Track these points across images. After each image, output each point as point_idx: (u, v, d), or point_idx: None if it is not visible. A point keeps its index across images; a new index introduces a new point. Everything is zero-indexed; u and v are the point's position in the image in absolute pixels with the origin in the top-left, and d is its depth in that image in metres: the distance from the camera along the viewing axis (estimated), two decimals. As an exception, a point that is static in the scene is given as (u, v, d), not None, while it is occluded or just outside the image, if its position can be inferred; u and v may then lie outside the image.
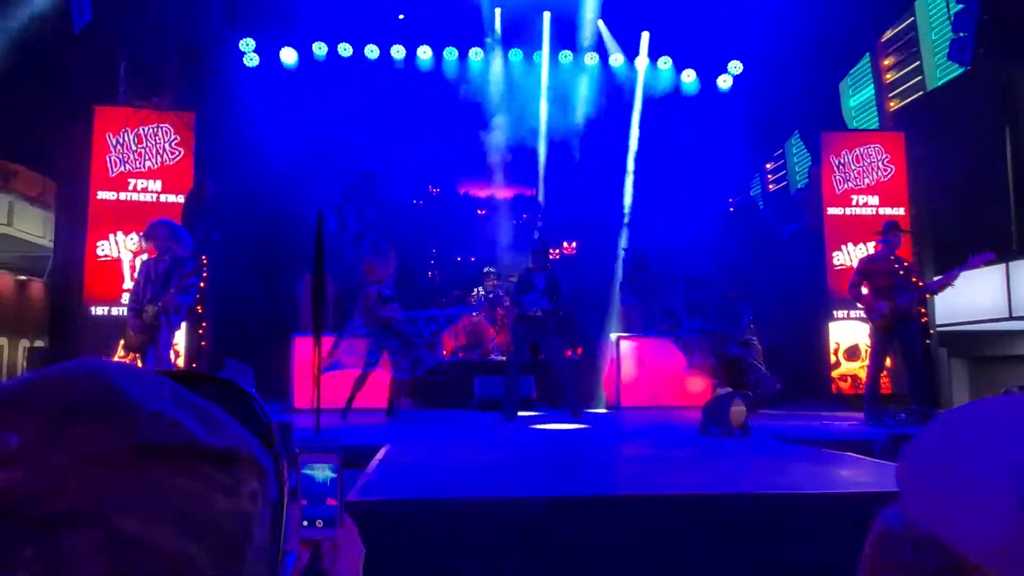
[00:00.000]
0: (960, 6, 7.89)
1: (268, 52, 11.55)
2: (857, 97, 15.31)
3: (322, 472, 2.40)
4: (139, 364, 6.74)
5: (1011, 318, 10.30)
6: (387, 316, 7.98)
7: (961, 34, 7.90)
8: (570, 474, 4.23)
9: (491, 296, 10.84)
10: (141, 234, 6.94)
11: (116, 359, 8.41)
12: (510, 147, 12.15)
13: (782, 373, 9.28)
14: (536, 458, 4.91)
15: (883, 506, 0.55)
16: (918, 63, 13.39)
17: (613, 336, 9.99)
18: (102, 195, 8.79)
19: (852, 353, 9.61)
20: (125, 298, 8.27)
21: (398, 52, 12.02)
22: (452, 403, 9.59)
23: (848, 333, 9.65)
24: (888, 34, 13.64)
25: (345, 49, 11.86)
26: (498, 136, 12.10)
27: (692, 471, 4.28)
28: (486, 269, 11.32)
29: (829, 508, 3.22)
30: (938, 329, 10.21)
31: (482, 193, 12.96)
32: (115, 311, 8.43)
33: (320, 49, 11.73)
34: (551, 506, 3.14)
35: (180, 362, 8.64)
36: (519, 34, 12.34)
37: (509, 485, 3.80)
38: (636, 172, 12.29)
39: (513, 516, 3.12)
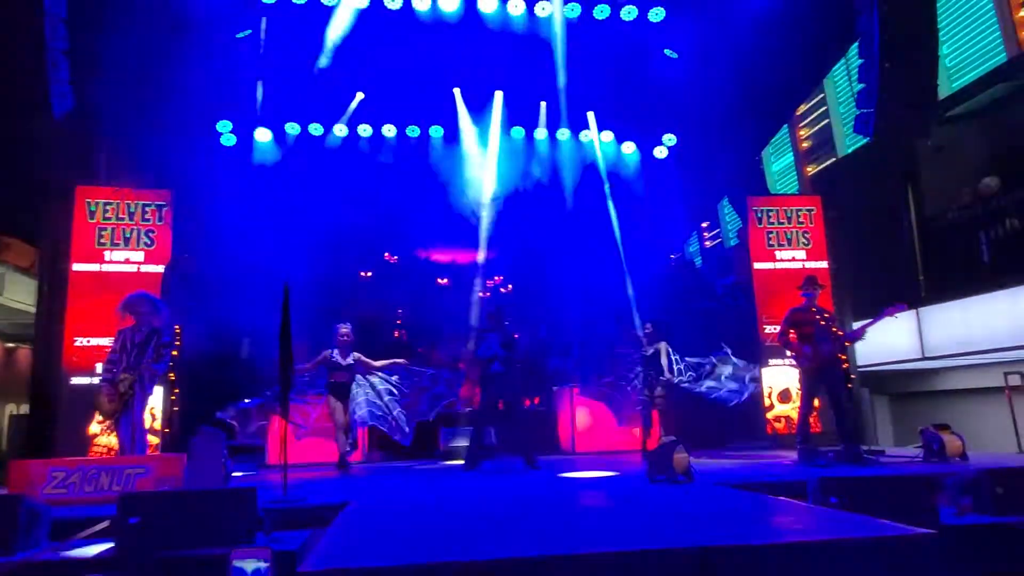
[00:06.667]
0: (862, 85, 8.07)
1: (243, 132, 11.39)
2: (778, 163, 15.66)
3: (252, 565, 2.16)
4: (114, 431, 6.36)
5: (924, 358, 10.39)
6: (339, 382, 7.77)
7: (864, 110, 8.06)
8: (525, 532, 3.98)
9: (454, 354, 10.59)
10: (119, 306, 6.63)
11: (95, 423, 7.99)
12: (468, 215, 12.04)
13: (723, 416, 9.14)
14: (492, 513, 4.67)
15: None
16: (830, 133, 13.78)
17: (567, 387, 9.81)
18: (79, 267, 8.44)
19: (784, 396, 9.56)
20: (99, 367, 7.89)
21: (364, 130, 11.97)
22: (418, 454, 9.29)
23: (780, 378, 9.62)
24: (802, 108, 14.03)
25: (316, 128, 11.78)
26: (456, 205, 11.99)
27: (645, 524, 4.09)
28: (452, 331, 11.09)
29: (772, 559, 3.07)
30: (860, 370, 10.22)
31: (443, 258, 12.78)
32: (94, 380, 7.99)
33: (292, 129, 11.61)
34: (499, 569, 2.92)
35: (157, 425, 8.23)
36: (477, 111, 12.35)
37: (463, 548, 3.55)
38: (585, 232, 12.21)
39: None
